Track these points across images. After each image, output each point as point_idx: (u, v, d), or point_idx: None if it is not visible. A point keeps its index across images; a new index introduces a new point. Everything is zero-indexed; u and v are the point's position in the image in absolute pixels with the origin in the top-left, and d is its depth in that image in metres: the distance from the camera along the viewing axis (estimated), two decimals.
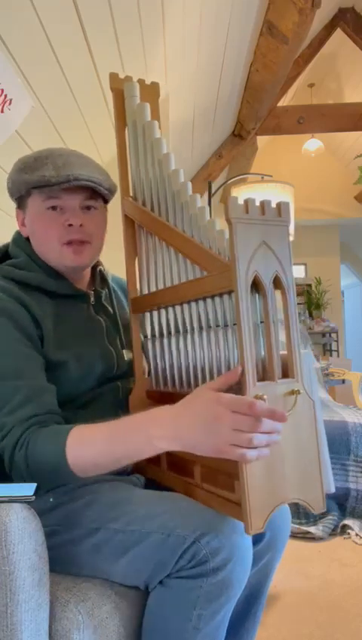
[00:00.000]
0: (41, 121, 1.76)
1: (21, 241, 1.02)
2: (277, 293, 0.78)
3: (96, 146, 2.25)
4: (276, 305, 0.77)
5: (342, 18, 4.26)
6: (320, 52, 4.44)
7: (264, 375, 0.76)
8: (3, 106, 1.42)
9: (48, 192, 0.94)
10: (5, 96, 1.41)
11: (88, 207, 0.98)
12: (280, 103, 4.45)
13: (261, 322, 0.77)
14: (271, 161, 6.16)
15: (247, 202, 0.74)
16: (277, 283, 0.77)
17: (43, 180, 0.93)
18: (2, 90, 1.39)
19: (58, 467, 0.79)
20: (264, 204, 0.76)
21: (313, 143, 5.74)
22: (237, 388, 0.73)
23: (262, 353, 0.77)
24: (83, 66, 1.75)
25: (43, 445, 0.80)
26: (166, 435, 0.74)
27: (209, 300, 0.83)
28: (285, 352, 0.79)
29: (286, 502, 0.75)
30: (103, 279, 1.11)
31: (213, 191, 3.15)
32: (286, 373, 0.78)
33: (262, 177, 2.73)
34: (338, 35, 4.38)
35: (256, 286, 0.76)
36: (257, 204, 0.76)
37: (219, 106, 3.40)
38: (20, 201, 1.00)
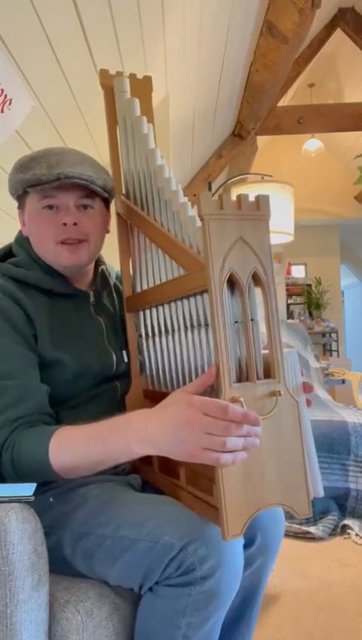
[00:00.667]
0: (41, 121, 1.76)
1: (23, 239, 1.02)
2: (258, 291, 0.75)
3: (96, 145, 2.25)
4: (257, 303, 0.75)
5: (342, 18, 4.26)
6: (320, 52, 4.44)
7: (248, 376, 0.74)
8: (3, 106, 1.42)
9: (42, 191, 0.94)
10: (5, 96, 1.41)
11: (85, 207, 0.98)
12: (280, 103, 4.45)
13: (242, 321, 0.74)
14: (271, 161, 6.16)
15: (221, 197, 0.72)
16: (256, 280, 0.74)
17: (34, 179, 0.92)
18: (2, 90, 1.39)
19: (42, 469, 0.79)
20: (241, 198, 0.73)
21: (313, 143, 5.74)
22: (216, 389, 0.71)
23: (244, 353, 0.74)
24: (83, 66, 1.75)
25: (28, 446, 0.80)
26: (141, 439, 0.72)
27: (191, 299, 0.81)
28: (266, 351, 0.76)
29: (266, 507, 0.72)
30: (105, 279, 1.10)
31: (212, 191, 3.15)
32: (270, 374, 0.75)
33: (262, 177, 2.73)
34: (339, 35, 4.38)
35: (233, 284, 0.73)
36: (233, 198, 0.73)
37: (219, 106, 3.39)
38: (19, 201, 1.01)
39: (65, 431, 0.80)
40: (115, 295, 1.10)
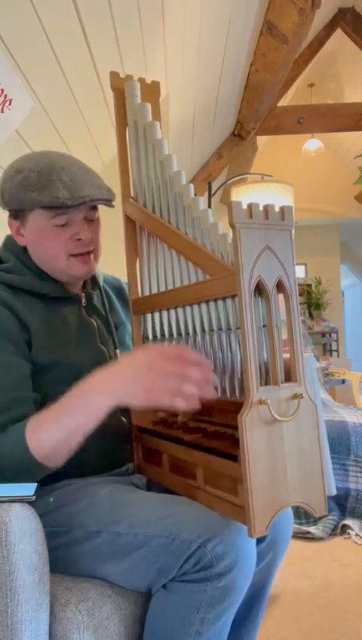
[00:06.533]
0: (41, 121, 1.76)
1: (11, 245, 1.02)
2: (280, 297, 0.78)
3: (96, 146, 2.25)
4: (279, 308, 0.77)
5: (342, 18, 4.26)
6: (320, 52, 4.44)
7: (267, 379, 0.76)
8: (3, 106, 1.42)
9: (58, 210, 0.93)
10: (5, 96, 1.41)
11: (91, 219, 0.99)
12: (280, 103, 4.45)
13: (263, 326, 0.77)
14: (271, 161, 6.16)
15: (251, 207, 0.74)
16: (280, 287, 0.77)
17: (57, 203, 0.91)
18: (2, 90, 1.39)
19: (25, 462, 0.78)
20: (268, 209, 0.76)
21: (313, 143, 5.74)
22: (245, 391, 0.73)
23: (265, 357, 0.77)
24: (83, 67, 1.75)
25: (4, 441, 0.80)
26: (100, 388, 0.76)
27: (211, 304, 0.83)
28: (287, 356, 0.79)
29: (288, 505, 0.75)
30: (94, 281, 1.11)
31: (213, 191, 3.15)
32: (288, 377, 0.78)
33: (262, 177, 2.73)
34: (339, 35, 4.38)
35: (259, 290, 0.76)
36: (261, 208, 0.75)
37: (219, 106, 3.40)
38: (19, 212, 0.97)
39: (34, 418, 0.81)
40: (104, 296, 1.11)
